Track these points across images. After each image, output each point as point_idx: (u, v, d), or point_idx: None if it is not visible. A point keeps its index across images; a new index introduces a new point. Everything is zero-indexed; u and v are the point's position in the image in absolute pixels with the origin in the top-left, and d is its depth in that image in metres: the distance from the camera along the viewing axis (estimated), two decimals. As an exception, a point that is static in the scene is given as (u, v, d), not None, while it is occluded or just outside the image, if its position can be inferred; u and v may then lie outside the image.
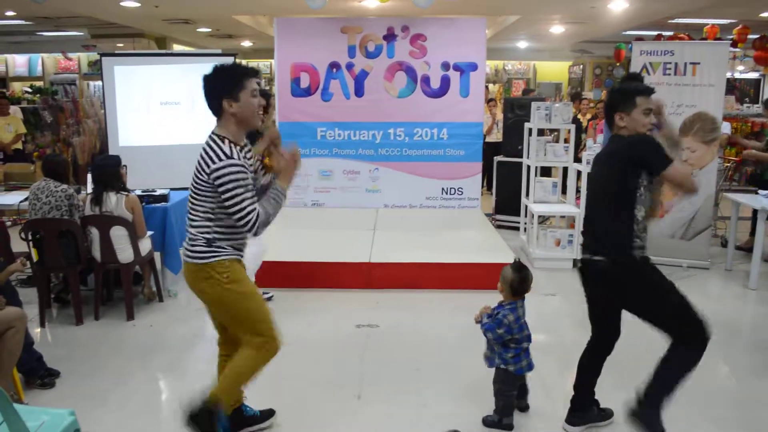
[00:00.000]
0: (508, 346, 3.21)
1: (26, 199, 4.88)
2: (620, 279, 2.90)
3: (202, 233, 2.75)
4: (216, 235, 2.75)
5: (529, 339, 3.25)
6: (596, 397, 3.31)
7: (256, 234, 2.74)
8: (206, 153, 2.68)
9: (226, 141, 2.71)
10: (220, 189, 2.63)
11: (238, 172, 2.62)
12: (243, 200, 2.63)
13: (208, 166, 2.64)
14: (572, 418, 3.26)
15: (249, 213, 2.65)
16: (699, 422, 3.37)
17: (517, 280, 3.19)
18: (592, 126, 8.70)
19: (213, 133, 2.76)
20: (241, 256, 2.88)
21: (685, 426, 3.26)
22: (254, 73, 2.76)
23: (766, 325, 4.98)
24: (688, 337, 2.83)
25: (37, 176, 6.60)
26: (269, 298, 5.14)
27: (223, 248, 2.77)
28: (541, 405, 3.50)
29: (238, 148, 2.73)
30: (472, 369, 3.95)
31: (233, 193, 2.62)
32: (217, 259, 2.76)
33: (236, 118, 2.73)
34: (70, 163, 5.31)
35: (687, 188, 2.81)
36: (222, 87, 2.70)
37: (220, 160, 2.63)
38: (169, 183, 6.43)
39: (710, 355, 4.15)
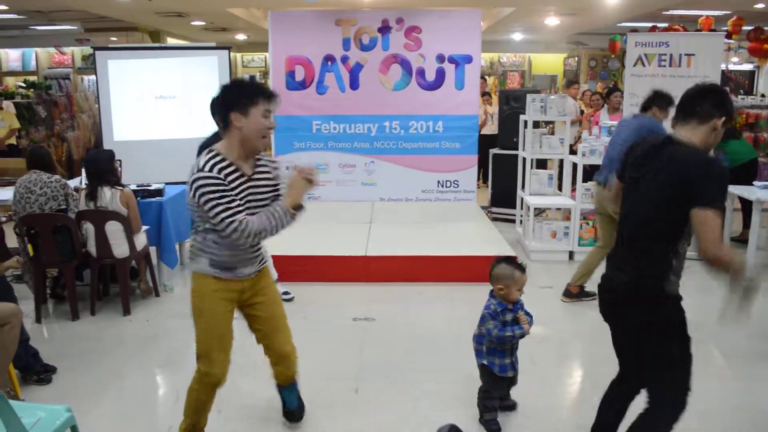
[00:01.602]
0: (492, 344, 3.18)
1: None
2: (639, 306, 2.47)
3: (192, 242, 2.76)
4: (197, 245, 2.72)
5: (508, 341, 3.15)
6: None
7: (245, 243, 2.66)
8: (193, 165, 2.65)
9: (212, 153, 2.62)
10: (198, 201, 2.57)
11: (206, 184, 2.52)
12: (217, 208, 2.53)
13: (189, 178, 2.60)
14: None
15: (226, 220, 2.53)
16: (692, 413, 3.38)
17: (490, 271, 3.18)
18: (586, 118, 8.70)
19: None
20: (219, 274, 2.73)
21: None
22: (271, 95, 2.68)
23: (761, 316, 5.00)
24: (669, 397, 2.49)
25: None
26: (290, 299, 5.07)
27: (200, 259, 2.72)
28: (535, 399, 3.51)
29: (225, 162, 2.61)
30: (470, 361, 3.95)
31: (208, 204, 2.53)
32: (194, 268, 2.75)
33: (241, 134, 2.62)
34: (52, 153, 5.26)
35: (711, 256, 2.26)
36: (235, 99, 2.63)
37: (193, 173, 2.57)
38: (164, 177, 6.41)
39: (706, 345, 4.19)
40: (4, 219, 6.86)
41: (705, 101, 2.44)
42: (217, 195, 2.53)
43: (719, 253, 2.22)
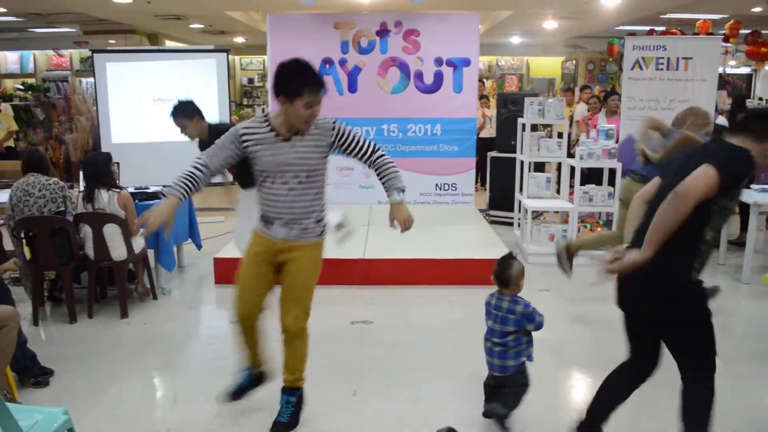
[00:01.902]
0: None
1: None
2: (664, 293, 2.52)
3: None
4: None
5: (492, 334, 3.13)
6: None
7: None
8: None
9: (259, 117, 3.05)
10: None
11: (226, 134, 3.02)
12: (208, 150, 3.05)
13: None
14: None
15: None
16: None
17: (498, 269, 3.17)
18: (584, 121, 8.72)
19: None
20: (258, 229, 3.14)
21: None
22: (316, 87, 2.89)
23: (759, 318, 5.01)
24: (701, 369, 2.61)
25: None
26: None
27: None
28: (534, 402, 3.51)
29: (258, 126, 3.00)
30: (468, 364, 3.96)
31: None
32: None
33: (286, 113, 2.91)
34: (49, 156, 5.29)
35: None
36: (284, 85, 2.88)
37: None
38: (162, 180, 6.40)
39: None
40: (1, 221, 6.84)
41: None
42: (219, 143, 3.01)
43: (688, 197, 2.29)
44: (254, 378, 3.40)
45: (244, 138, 2.97)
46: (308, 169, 2.99)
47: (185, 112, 4.55)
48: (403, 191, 3.10)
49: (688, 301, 2.53)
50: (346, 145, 3.06)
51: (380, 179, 3.13)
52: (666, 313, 2.55)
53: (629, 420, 3.17)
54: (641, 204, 2.75)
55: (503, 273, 3.11)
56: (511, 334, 3.08)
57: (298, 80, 2.87)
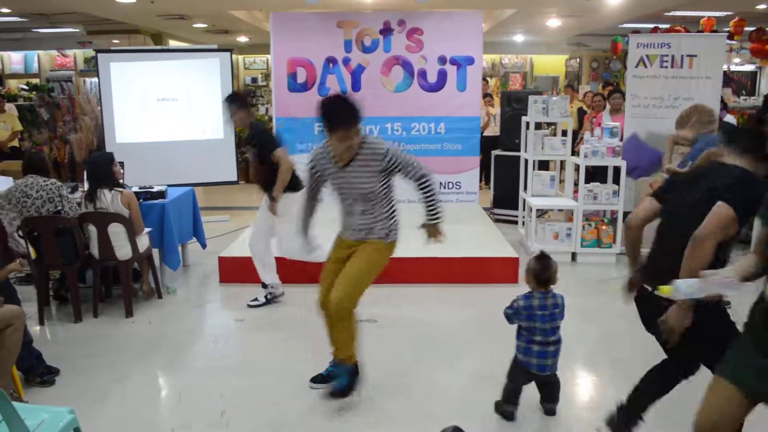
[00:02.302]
0: (520, 332, 3.24)
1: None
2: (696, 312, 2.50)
3: None
4: None
5: (544, 333, 3.17)
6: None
7: None
8: None
9: (327, 144, 3.42)
10: None
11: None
12: None
13: None
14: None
15: None
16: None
17: (539, 269, 3.19)
18: (588, 119, 8.70)
19: None
20: (342, 233, 3.60)
21: (687, 412, 3.26)
22: (346, 124, 3.22)
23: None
24: (682, 368, 2.80)
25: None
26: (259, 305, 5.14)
27: None
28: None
29: (330, 154, 3.41)
30: (473, 362, 3.96)
31: None
32: None
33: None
34: (47, 157, 5.34)
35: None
36: (323, 122, 3.29)
37: None
38: (166, 179, 6.43)
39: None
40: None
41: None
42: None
43: (705, 243, 2.41)
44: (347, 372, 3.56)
45: (313, 169, 3.50)
46: (367, 193, 3.35)
47: (239, 102, 4.82)
48: (441, 215, 3.50)
49: (711, 319, 2.56)
50: (397, 170, 3.34)
51: (421, 200, 3.46)
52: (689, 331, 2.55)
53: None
54: (639, 224, 2.86)
55: (545, 272, 3.18)
56: (558, 328, 3.19)
57: (328, 119, 3.23)
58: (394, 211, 3.52)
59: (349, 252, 3.49)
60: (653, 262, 2.74)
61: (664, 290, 2.32)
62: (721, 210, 2.43)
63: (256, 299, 5.06)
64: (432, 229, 3.51)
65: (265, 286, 5.05)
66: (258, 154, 4.78)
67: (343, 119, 3.21)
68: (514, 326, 3.28)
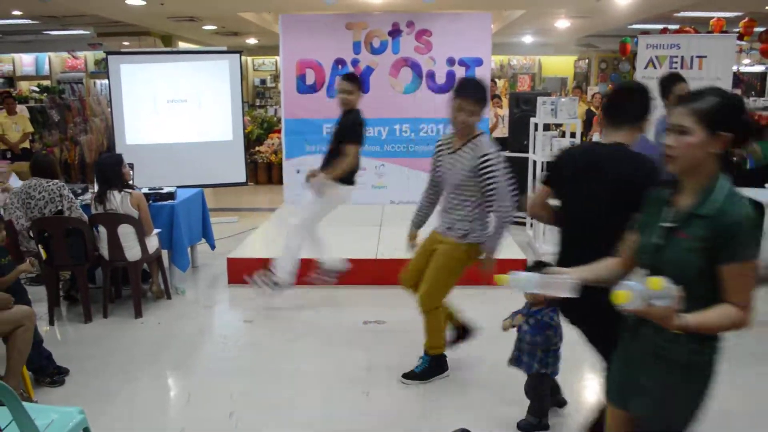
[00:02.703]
0: (549, 349, 3.13)
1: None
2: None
3: None
4: None
5: (561, 338, 3.18)
6: None
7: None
8: None
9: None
10: None
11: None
12: None
13: None
14: None
15: None
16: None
17: None
18: (597, 121, 8.68)
19: None
20: (436, 226, 3.70)
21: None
22: (460, 95, 3.48)
23: (763, 319, 4.96)
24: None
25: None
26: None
27: None
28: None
29: (446, 138, 3.71)
30: (480, 364, 3.95)
31: None
32: None
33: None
34: (56, 160, 5.39)
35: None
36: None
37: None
38: (176, 181, 6.46)
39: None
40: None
41: None
42: None
43: None
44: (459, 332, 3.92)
45: (435, 154, 3.68)
46: (457, 183, 3.45)
47: (356, 82, 4.84)
48: (494, 249, 3.54)
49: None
50: (481, 178, 3.39)
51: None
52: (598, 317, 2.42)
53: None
54: (537, 210, 2.96)
55: None
56: None
57: (457, 86, 3.54)
58: (478, 214, 3.50)
59: (435, 246, 3.59)
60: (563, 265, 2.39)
61: (501, 279, 2.13)
62: None
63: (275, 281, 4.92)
64: (487, 264, 3.58)
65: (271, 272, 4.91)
66: (336, 135, 4.76)
67: (467, 90, 3.44)
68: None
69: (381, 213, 7.34)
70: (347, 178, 4.73)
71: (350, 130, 4.65)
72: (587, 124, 9.26)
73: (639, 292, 1.72)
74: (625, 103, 2.59)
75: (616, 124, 2.58)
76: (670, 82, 4.64)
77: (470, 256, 3.56)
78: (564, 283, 2.04)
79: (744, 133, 1.89)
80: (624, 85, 2.68)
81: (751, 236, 1.78)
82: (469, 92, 3.41)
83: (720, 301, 1.80)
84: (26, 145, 9.00)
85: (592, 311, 2.47)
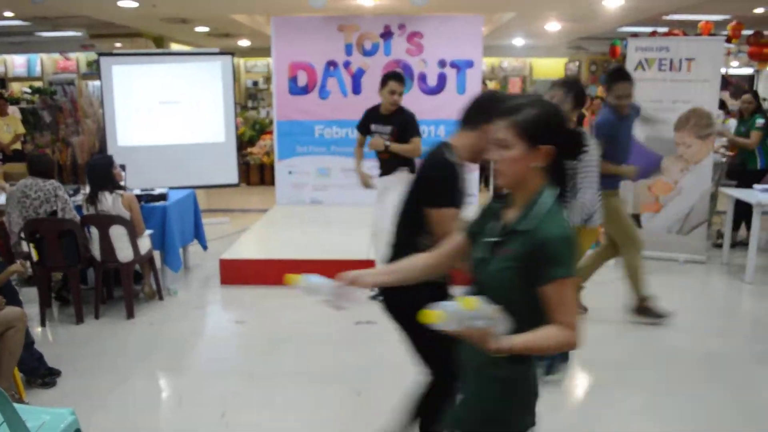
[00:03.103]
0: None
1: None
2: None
3: None
4: None
5: None
6: None
7: None
8: None
9: None
10: None
11: None
12: None
13: None
14: None
15: None
16: (698, 410, 3.41)
17: None
18: (587, 122, 8.74)
19: None
20: None
21: (685, 415, 3.29)
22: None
23: (762, 319, 5.02)
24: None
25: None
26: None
27: None
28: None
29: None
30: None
31: None
32: None
33: None
34: (54, 161, 5.37)
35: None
36: None
37: None
38: (168, 182, 6.47)
39: (708, 348, 4.21)
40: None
41: None
42: None
43: None
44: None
45: None
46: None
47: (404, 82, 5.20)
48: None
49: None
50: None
51: None
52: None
53: (624, 420, 3.19)
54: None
55: None
56: None
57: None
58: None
59: None
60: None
61: (291, 279, 2.18)
62: None
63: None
64: None
65: None
66: (398, 133, 5.02)
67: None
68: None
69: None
70: (411, 165, 4.92)
71: (415, 126, 5.05)
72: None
73: (453, 312, 1.58)
74: (468, 107, 2.59)
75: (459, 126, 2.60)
76: (612, 79, 4.62)
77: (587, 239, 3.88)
78: (354, 295, 2.02)
79: (567, 145, 1.86)
80: (482, 93, 2.75)
81: (565, 254, 1.68)
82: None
83: (546, 321, 1.70)
84: (18, 146, 8.97)
85: (399, 313, 2.64)
